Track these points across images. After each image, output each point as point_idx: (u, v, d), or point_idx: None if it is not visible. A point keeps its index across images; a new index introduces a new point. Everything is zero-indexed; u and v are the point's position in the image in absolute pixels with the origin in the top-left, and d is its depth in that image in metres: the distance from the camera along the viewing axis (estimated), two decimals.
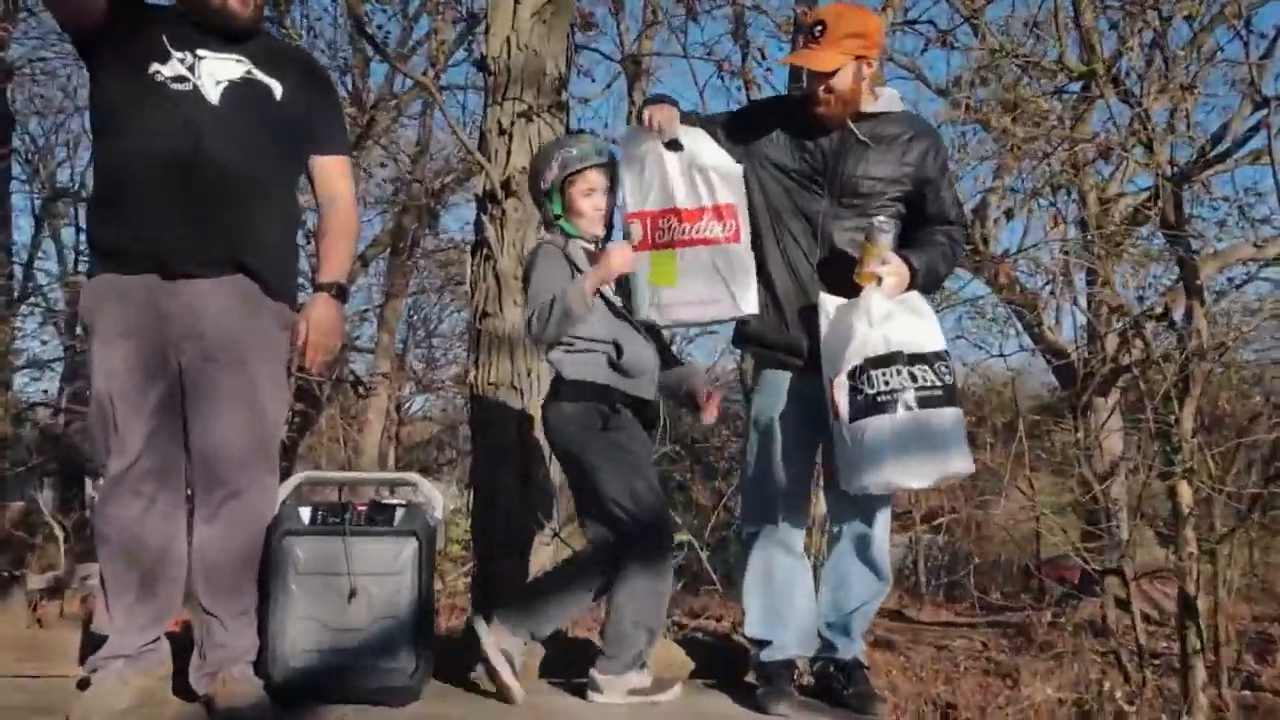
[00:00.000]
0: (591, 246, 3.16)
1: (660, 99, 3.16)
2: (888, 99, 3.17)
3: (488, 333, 4.79)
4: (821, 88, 3.04)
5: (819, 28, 3.09)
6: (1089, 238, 9.19)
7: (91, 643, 2.92)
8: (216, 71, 2.77)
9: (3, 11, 10.88)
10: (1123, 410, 10.91)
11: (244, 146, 2.77)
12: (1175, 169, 8.43)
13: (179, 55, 2.75)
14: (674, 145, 3.09)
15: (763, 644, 3.11)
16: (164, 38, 2.75)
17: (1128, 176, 10.37)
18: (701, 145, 3.12)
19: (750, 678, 3.21)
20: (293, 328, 2.85)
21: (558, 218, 3.18)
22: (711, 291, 3.10)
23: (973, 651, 10.95)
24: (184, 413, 2.75)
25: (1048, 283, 10.67)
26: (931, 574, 15.07)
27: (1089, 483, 9.10)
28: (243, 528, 2.78)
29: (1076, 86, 9.34)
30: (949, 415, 2.88)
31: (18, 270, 14.11)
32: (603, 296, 3.09)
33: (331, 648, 2.79)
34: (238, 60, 2.81)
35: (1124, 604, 8.68)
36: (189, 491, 2.81)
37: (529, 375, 4.77)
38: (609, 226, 3.23)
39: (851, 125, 3.06)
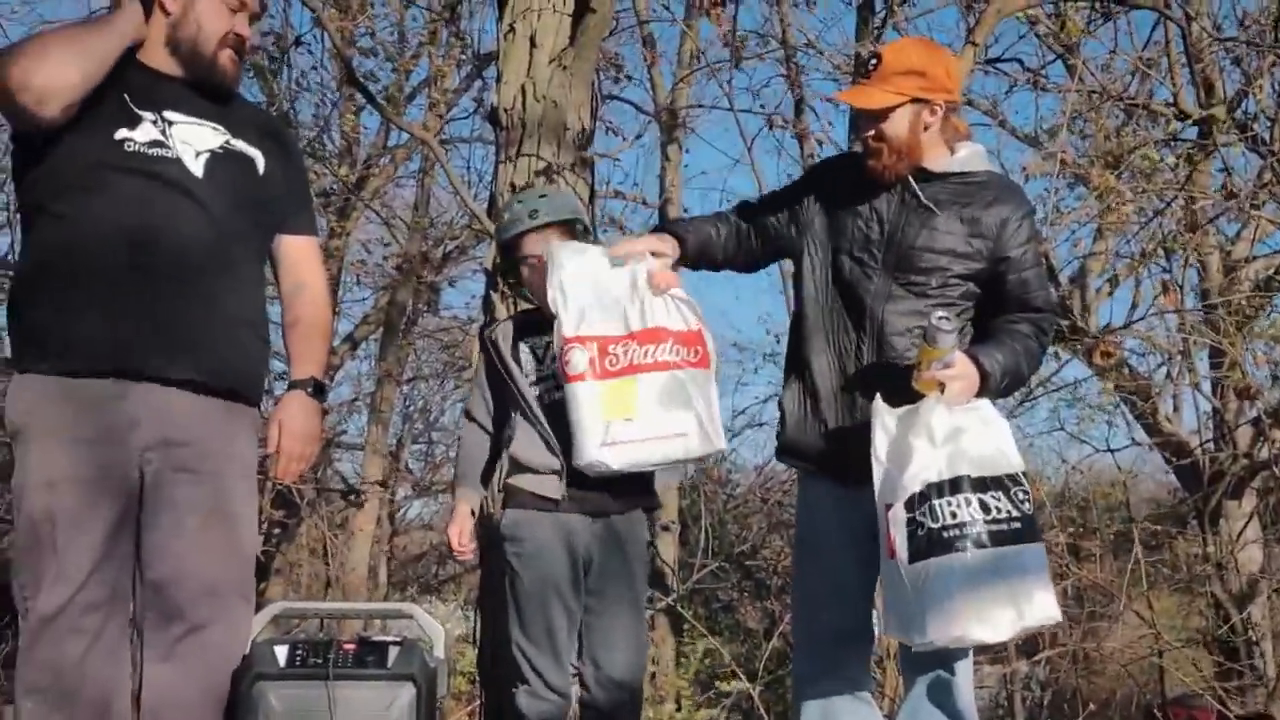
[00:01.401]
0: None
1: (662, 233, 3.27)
2: (967, 156, 3.13)
3: None
4: (871, 133, 3.04)
5: (874, 61, 3.13)
6: (1211, 310, 9.19)
7: None
8: (192, 139, 2.84)
9: None
10: (1261, 516, 10.82)
11: (224, 229, 2.83)
12: None
13: (148, 116, 2.81)
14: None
15: None
16: (125, 95, 2.80)
17: (1258, 237, 10.39)
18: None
19: None
20: (266, 433, 2.91)
21: (512, 285, 3.27)
22: (678, 423, 3.11)
23: None
24: (138, 536, 2.76)
25: (1162, 364, 10.69)
26: (1031, 716, 14.85)
27: (1221, 604, 9.01)
28: (205, 670, 2.78)
29: (1192, 133, 9.43)
30: (1030, 553, 2.84)
31: None
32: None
33: None
34: (214, 128, 2.89)
35: None
36: (136, 626, 2.82)
37: None
38: None
39: (914, 184, 3.04)
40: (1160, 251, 9.20)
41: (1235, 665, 9.16)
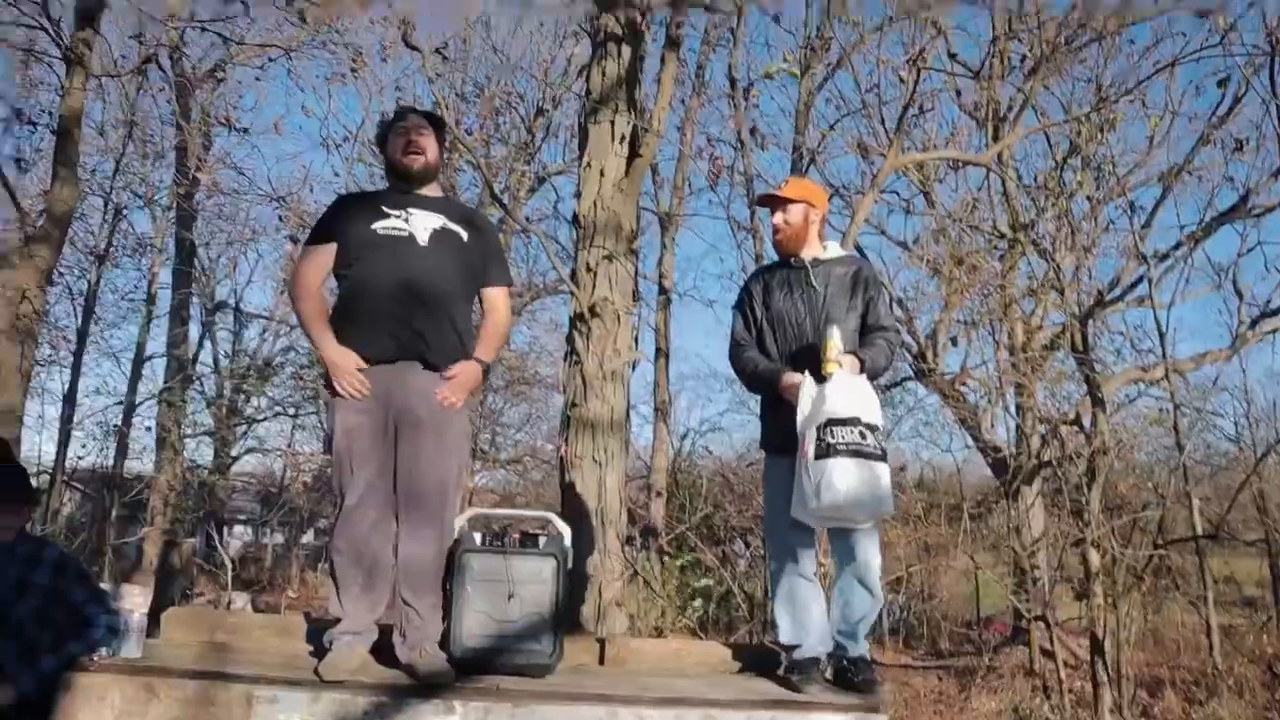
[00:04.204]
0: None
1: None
2: (834, 247, 3.49)
3: (576, 419, 5.12)
4: (778, 215, 3.39)
5: (782, 184, 3.50)
6: (1015, 361, 9.54)
7: (321, 626, 3.19)
8: (425, 223, 3.10)
9: (194, 167, 11.52)
10: (1043, 496, 11.12)
11: (442, 274, 3.07)
12: (1081, 309, 8.84)
13: (395, 214, 3.09)
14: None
15: (794, 647, 3.26)
16: (382, 206, 3.11)
17: (1044, 314, 10.77)
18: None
19: (782, 672, 3.27)
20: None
21: None
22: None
23: (927, 687, 11.00)
24: (395, 461, 2.98)
25: (984, 395, 11.01)
26: (893, 626, 15.03)
27: (1017, 553, 9.29)
28: (435, 543, 2.99)
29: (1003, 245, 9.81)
30: (883, 470, 3.01)
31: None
32: None
33: (494, 634, 2.99)
34: (436, 215, 3.14)
35: (1048, 651, 8.84)
36: (396, 517, 3.01)
37: (606, 451, 5.11)
38: None
39: (808, 267, 3.34)
40: (985, 321, 9.54)
41: (1025, 590, 9.45)
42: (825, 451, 3.02)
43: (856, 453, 3.00)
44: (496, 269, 3.30)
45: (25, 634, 2.87)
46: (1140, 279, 10.01)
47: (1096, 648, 7.79)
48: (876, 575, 3.25)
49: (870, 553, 3.23)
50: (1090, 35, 7.43)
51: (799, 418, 3.11)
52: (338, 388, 2.99)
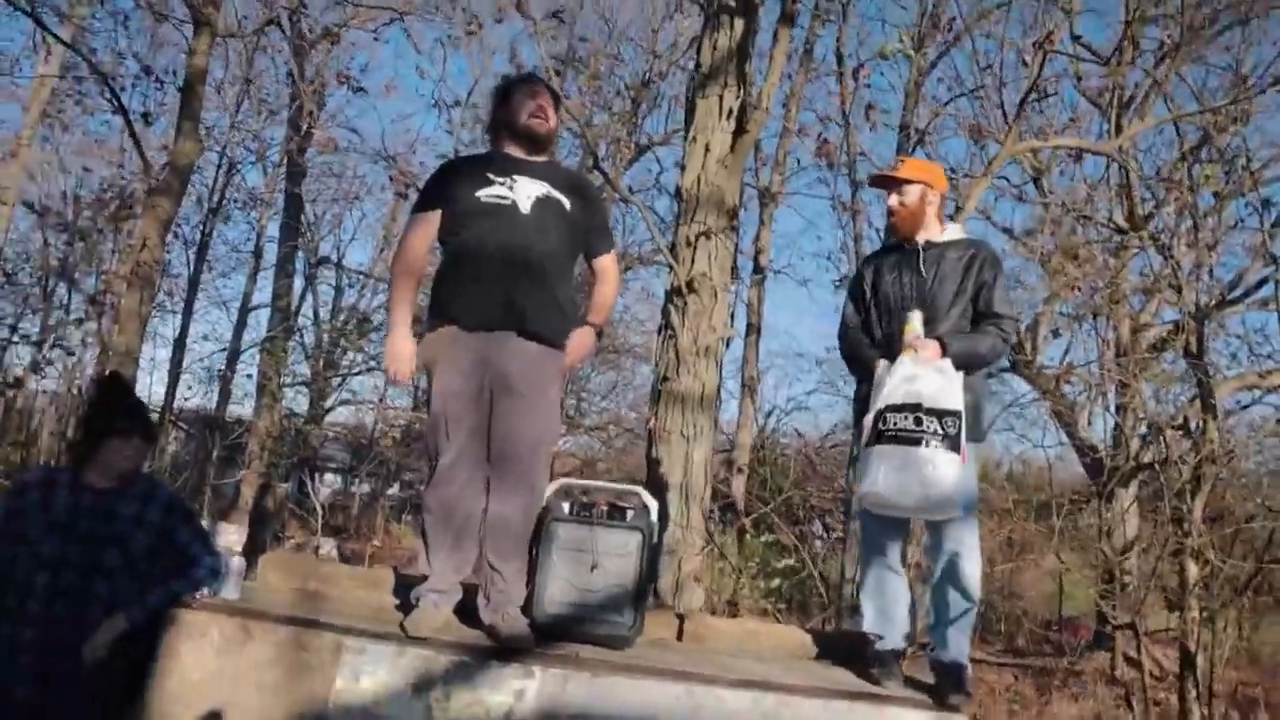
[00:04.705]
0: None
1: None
2: (952, 229, 3.35)
3: (667, 393, 5.13)
4: (893, 197, 3.28)
5: (896, 162, 3.39)
6: (1122, 359, 9.18)
7: (408, 581, 3.27)
8: (528, 190, 3.09)
9: (307, 125, 11.81)
10: (1140, 500, 10.71)
11: (543, 241, 3.05)
12: (1198, 309, 8.43)
13: (500, 180, 3.08)
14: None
15: (877, 638, 3.21)
16: (487, 173, 3.10)
17: (1156, 312, 10.32)
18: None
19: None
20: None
21: None
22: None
23: (1002, 684, 10.76)
24: (489, 425, 3.00)
25: (1084, 390, 10.63)
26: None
27: (1108, 557, 8.98)
28: (523, 508, 3.01)
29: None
30: (942, 458, 2.89)
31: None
32: None
33: (576, 602, 3.01)
34: (541, 183, 3.12)
35: (1133, 660, 8.53)
36: (487, 481, 3.04)
37: (695, 426, 5.10)
38: None
39: (920, 250, 3.24)
40: (1090, 315, 9.19)
41: (1112, 593, 9.14)
42: (876, 439, 2.99)
43: (904, 440, 2.93)
44: (603, 237, 3.31)
45: (138, 568, 2.99)
46: (1265, 280, 9.51)
47: (1188, 661, 7.47)
48: (971, 576, 3.12)
49: (961, 551, 3.12)
50: (1233, 18, 6.99)
51: (872, 396, 3.09)
52: (387, 364, 3.13)
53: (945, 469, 2.90)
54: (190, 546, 3.06)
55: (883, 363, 3.12)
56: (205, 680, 2.72)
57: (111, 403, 3.16)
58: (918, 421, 2.94)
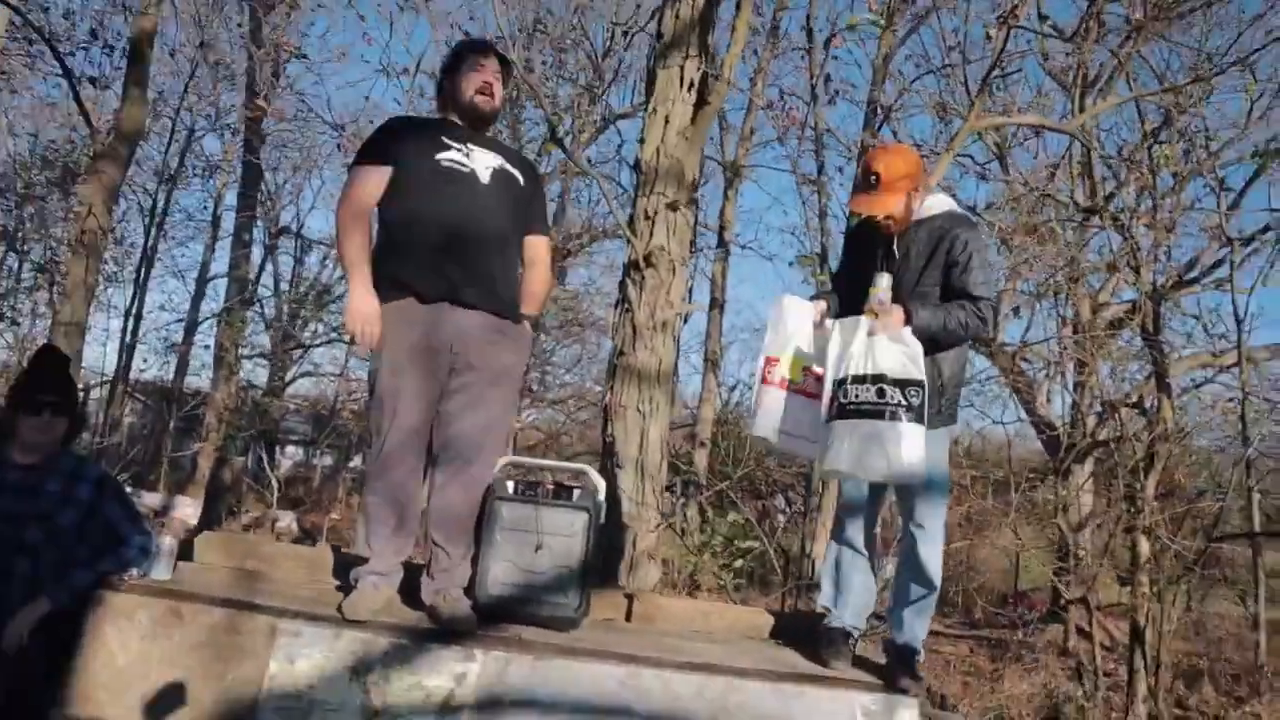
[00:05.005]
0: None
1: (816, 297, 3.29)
2: (933, 203, 3.18)
3: (623, 368, 5.03)
4: (883, 218, 3.11)
5: (874, 178, 3.07)
6: (1081, 336, 9.23)
7: (349, 561, 3.18)
8: (485, 160, 3.00)
9: (264, 92, 11.52)
10: (1095, 476, 10.83)
11: (500, 215, 2.97)
12: (1155, 289, 8.48)
13: (456, 146, 2.97)
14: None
15: (828, 614, 3.20)
16: (442, 137, 2.98)
17: (1115, 291, 10.39)
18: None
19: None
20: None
21: None
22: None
23: (958, 656, 10.90)
24: (440, 402, 2.89)
25: (1043, 369, 10.70)
26: None
27: (1064, 531, 9.09)
28: (471, 491, 2.93)
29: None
30: (906, 429, 2.84)
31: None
32: None
33: (521, 583, 2.93)
34: (494, 155, 3.04)
35: (1085, 632, 8.66)
36: (434, 459, 2.95)
37: (651, 402, 5.02)
38: None
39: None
40: (1050, 293, 9.23)
41: (1066, 568, 9.26)
42: (839, 411, 2.94)
43: (867, 413, 2.88)
44: (542, 219, 3.23)
45: (64, 546, 2.88)
46: (1221, 261, 9.61)
47: (1136, 635, 7.60)
48: (931, 561, 3.06)
49: (922, 536, 3.06)
50: None
51: (828, 360, 3.02)
52: (350, 327, 2.86)
53: (910, 440, 2.86)
54: (120, 525, 2.95)
55: (836, 323, 3.06)
56: (132, 664, 2.63)
57: (31, 377, 3.03)
58: (880, 393, 2.88)
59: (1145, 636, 7.58)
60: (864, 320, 2.97)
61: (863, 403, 2.90)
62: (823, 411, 3.01)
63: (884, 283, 3.00)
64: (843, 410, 2.93)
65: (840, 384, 2.96)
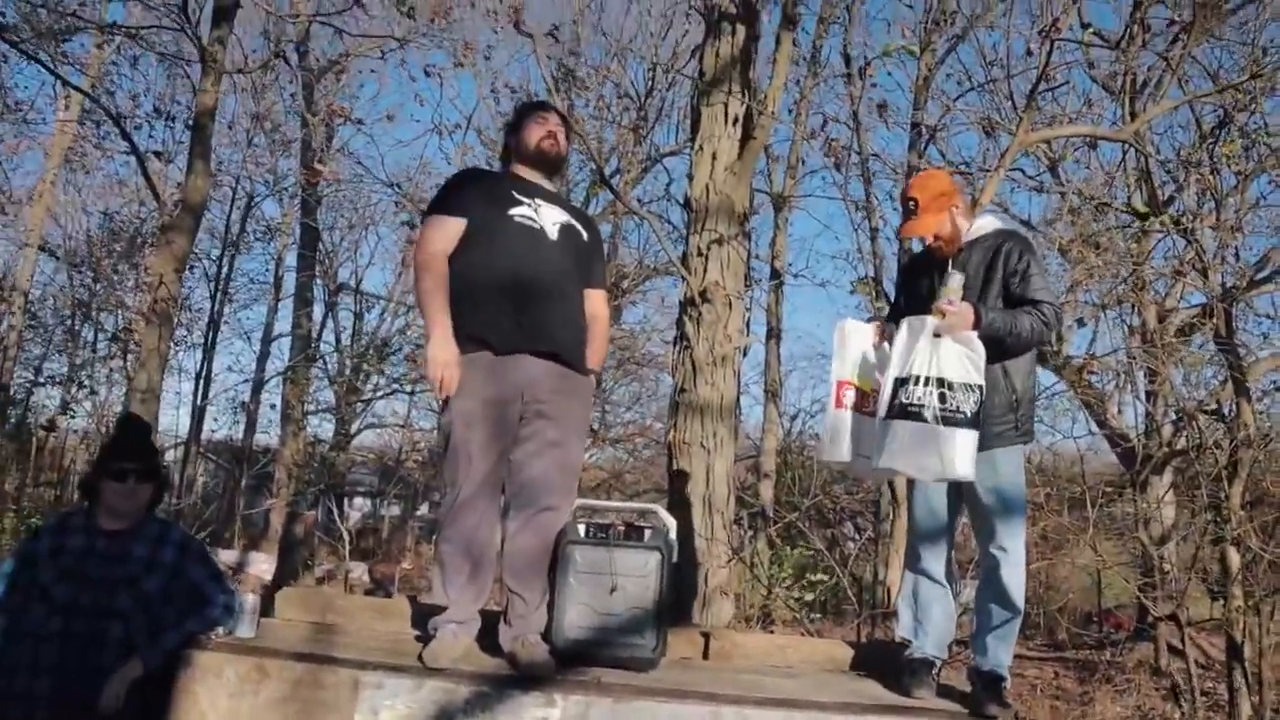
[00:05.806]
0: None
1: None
2: (982, 223, 3.21)
3: (685, 404, 5.04)
4: (931, 240, 3.18)
5: (912, 203, 3.17)
6: (1149, 345, 8.99)
7: (425, 611, 3.21)
8: (552, 216, 3.07)
9: (316, 157, 11.88)
10: (1175, 487, 10.47)
11: (567, 269, 3.05)
12: (1225, 291, 8.25)
13: (527, 202, 3.05)
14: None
15: (908, 644, 3.15)
16: (512, 192, 3.06)
17: (1182, 296, 10.12)
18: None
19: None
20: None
21: None
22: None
23: (1044, 680, 10.57)
24: (513, 452, 2.93)
25: (1113, 379, 10.44)
26: None
27: (1145, 546, 8.80)
28: (544, 535, 2.95)
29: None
30: (962, 435, 2.83)
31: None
32: None
33: (597, 626, 2.93)
34: (561, 210, 3.12)
35: (1177, 650, 8.33)
36: (507, 505, 2.99)
37: (714, 437, 5.01)
38: None
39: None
40: (1115, 302, 9.01)
41: (1151, 584, 8.94)
42: (897, 411, 2.92)
43: (924, 416, 2.87)
44: (601, 272, 3.31)
45: (152, 610, 2.95)
46: None
47: (1234, 651, 7.29)
48: (1013, 585, 2.99)
49: (1004, 560, 3.00)
50: None
51: (890, 364, 3.02)
52: (430, 374, 2.89)
53: (965, 444, 2.85)
54: (204, 585, 3.01)
55: (905, 322, 3.04)
56: None
57: (115, 445, 3.13)
58: (942, 398, 2.87)
59: (1244, 652, 7.28)
60: (930, 320, 2.95)
61: (923, 405, 2.89)
62: (880, 408, 3.00)
63: (954, 282, 2.98)
64: (903, 410, 2.92)
65: (902, 382, 2.95)
